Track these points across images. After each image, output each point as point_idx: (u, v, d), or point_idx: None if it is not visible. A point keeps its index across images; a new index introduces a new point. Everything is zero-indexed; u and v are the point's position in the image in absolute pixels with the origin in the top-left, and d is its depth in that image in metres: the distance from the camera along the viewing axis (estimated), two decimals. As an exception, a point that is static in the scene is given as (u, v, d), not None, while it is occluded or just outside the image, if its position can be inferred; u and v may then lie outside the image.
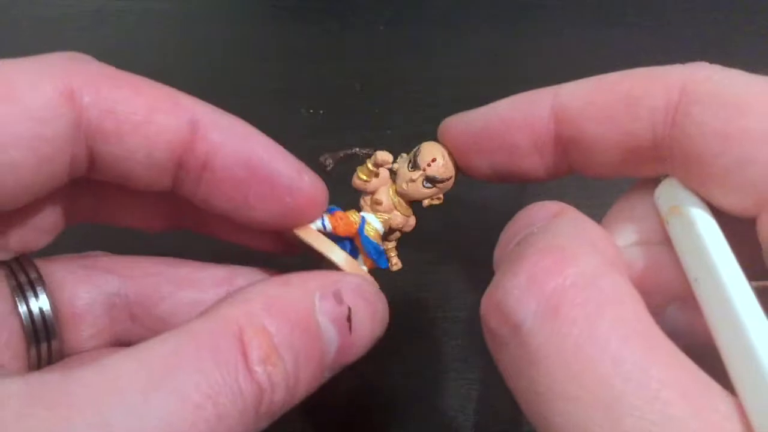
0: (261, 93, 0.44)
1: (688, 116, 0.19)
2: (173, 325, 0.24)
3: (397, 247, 0.26)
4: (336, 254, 0.24)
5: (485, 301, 0.18)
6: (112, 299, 0.24)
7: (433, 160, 0.24)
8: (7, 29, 0.49)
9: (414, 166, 0.24)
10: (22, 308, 0.22)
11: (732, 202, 0.18)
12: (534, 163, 0.22)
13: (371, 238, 0.25)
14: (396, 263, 0.26)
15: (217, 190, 0.22)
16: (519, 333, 0.16)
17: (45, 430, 0.15)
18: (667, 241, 0.20)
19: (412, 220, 0.26)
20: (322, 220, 0.24)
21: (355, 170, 0.25)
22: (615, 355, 0.15)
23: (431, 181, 0.24)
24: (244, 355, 0.18)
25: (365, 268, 0.25)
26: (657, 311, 0.18)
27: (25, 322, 0.22)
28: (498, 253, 0.20)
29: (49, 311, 0.22)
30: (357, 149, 0.25)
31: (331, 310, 0.21)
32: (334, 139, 0.40)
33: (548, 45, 0.45)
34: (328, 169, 0.25)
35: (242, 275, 0.25)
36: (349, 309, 0.21)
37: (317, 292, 0.21)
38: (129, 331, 0.25)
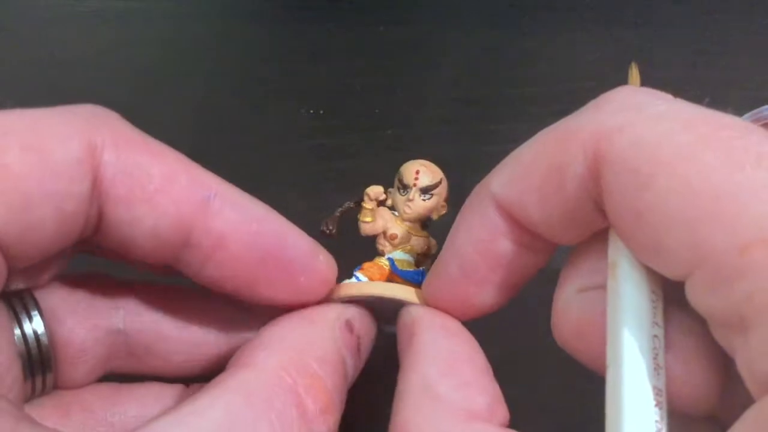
0: (261, 93, 0.44)
1: (602, 184, 0.17)
2: (173, 363, 0.24)
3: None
4: (410, 295, 0.23)
5: None
6: (111, 336, 0.23)
7: (417, 173, 0.25)
8: (8, 29, 0.49)
9: (404, 188, 0.25)
10: (20, 342, 0.21)
11: (655, 267, 0.17)
12: (526, 255, 0.21)
13: (407, 270, 0.25)
14: None
15: (227, 271, 0.21)
16: None
17: None
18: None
19: (432, 242, 0.26)
20: (356, 277, 0.24)
21: (356, 223, 0.26)
22: None
23: (426, 191, 0.25)
24: (302, 408, 0.18)
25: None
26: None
27: (22, 356, 0.21)
28: None
29: (47, 345, 0.22)
30: (347, 203, 0.26)
31: (348, 342, 0.21)
32: (334, 139, 0.40)
33: (549, 45, 0.46)
34: (333, 232, 0.25)
35: (246, 314, 0.25)
36: (359, 338, 0.22)
37: (336, 324, 0.21)
38: (124, 365, 0.24)
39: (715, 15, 0.46)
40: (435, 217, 0.26)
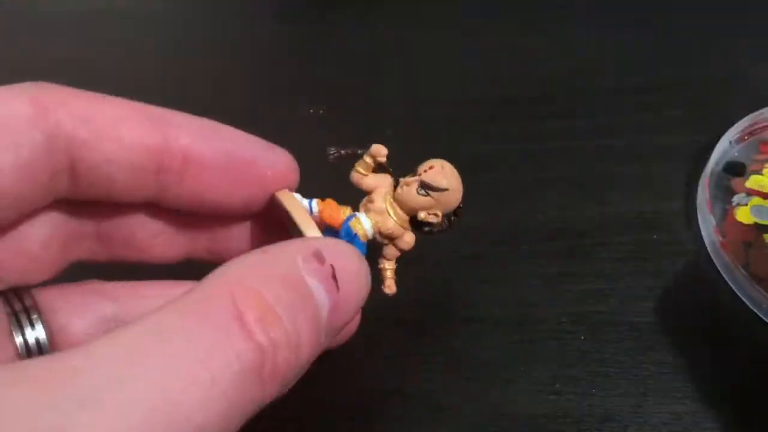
0: (261, 93, 0.44)
1: None
2: None
3: (396, 271, 0.26)
4: (311, 229, 0.23)
5: None
6: (107, 325, 0.24)
7: (431, 167, 0.24)
8: (8, 29, 0.49)
9: (413, 173, 0.25)
10: (18, 337, 0.22)
11: None
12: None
13: (353, 230, 0.24)
14: (390, 285, 0.25)
15: (202, 183, 0.23)
16: None
17: (29, 402, 0.14)
18: None
19: (409, 237, 0.25)
20: (310, 201, 0.24)
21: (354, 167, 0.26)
22: None
23: (425, 187, 0.24)
24: (240, 317, 0.17)
25: None
26: None
27: (20, 351, 0.22)
28: None
29: (45, 340, 0.22)
30: (361, 151, 0.26)
31: (315, 269, 0.20)
32: (334, 140, 0.40)
33: (549, 45, 0.46)
34: (334, 159, 0.26)
35: None
36: (332, 267, 0.20)
37: (298, 255, 0.20)
38: None
39: (717, 15, 0.46)
40: (422, 217, 0.24)
